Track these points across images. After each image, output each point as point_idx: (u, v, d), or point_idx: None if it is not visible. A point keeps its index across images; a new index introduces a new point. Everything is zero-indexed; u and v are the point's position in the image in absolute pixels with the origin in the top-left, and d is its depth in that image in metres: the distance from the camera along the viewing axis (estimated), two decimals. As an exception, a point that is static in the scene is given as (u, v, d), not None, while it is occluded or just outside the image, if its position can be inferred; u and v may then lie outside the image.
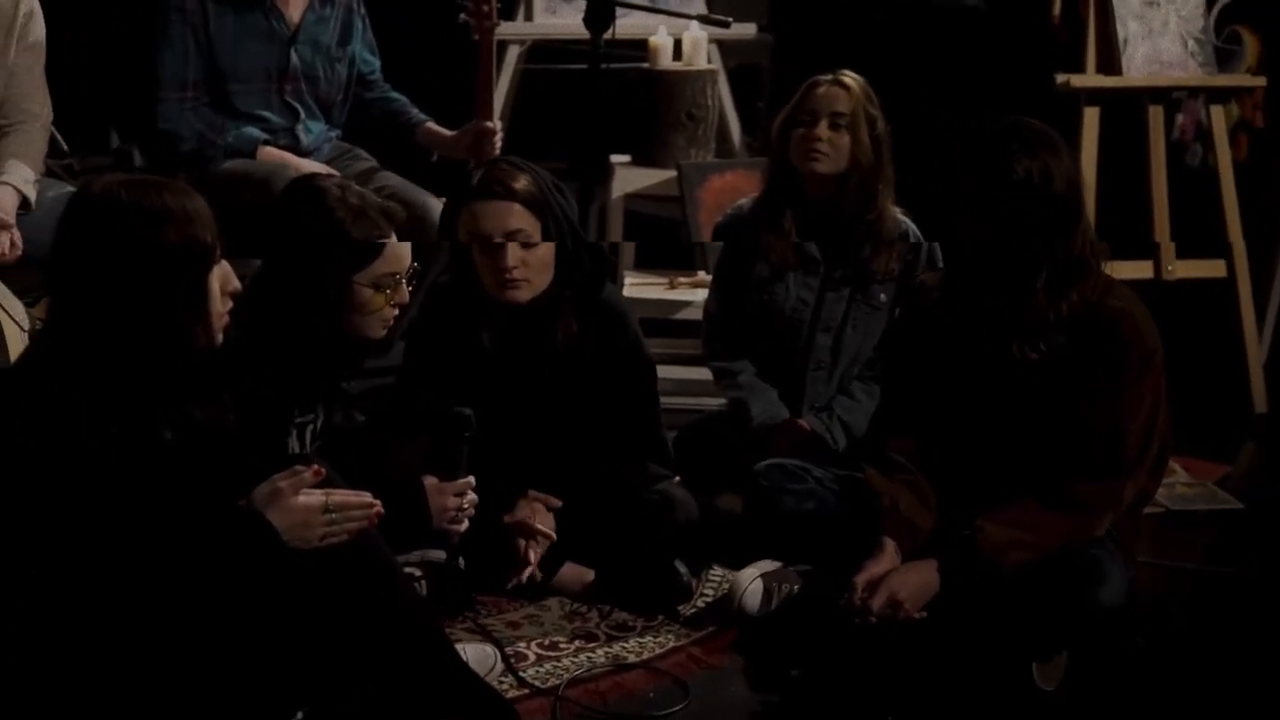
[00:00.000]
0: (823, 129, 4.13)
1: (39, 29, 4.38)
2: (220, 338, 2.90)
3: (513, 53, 5.72)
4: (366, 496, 2.94)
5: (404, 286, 3.43)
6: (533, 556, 3.70)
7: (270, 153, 4.67)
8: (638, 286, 5.20)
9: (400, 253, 3.41)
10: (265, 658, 2.91)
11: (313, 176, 3.53)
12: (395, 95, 5.07)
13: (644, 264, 5.54)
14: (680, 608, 3.75)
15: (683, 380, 4.90)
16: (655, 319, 5.19)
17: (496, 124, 4.91)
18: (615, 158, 5.57)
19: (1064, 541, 3.37)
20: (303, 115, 4.81)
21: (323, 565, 2.92)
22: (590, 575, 3.80)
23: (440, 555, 3.67)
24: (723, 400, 4.40)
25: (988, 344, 3.45)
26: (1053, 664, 3.44)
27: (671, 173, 5.36)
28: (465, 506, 3.54)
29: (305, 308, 3.37)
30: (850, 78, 4.20)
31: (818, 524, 3.69)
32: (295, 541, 2.87)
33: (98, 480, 2.73)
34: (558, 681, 3.42)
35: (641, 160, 5.51)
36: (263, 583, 2.86)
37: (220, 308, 2.87)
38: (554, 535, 3.72)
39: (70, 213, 2.90)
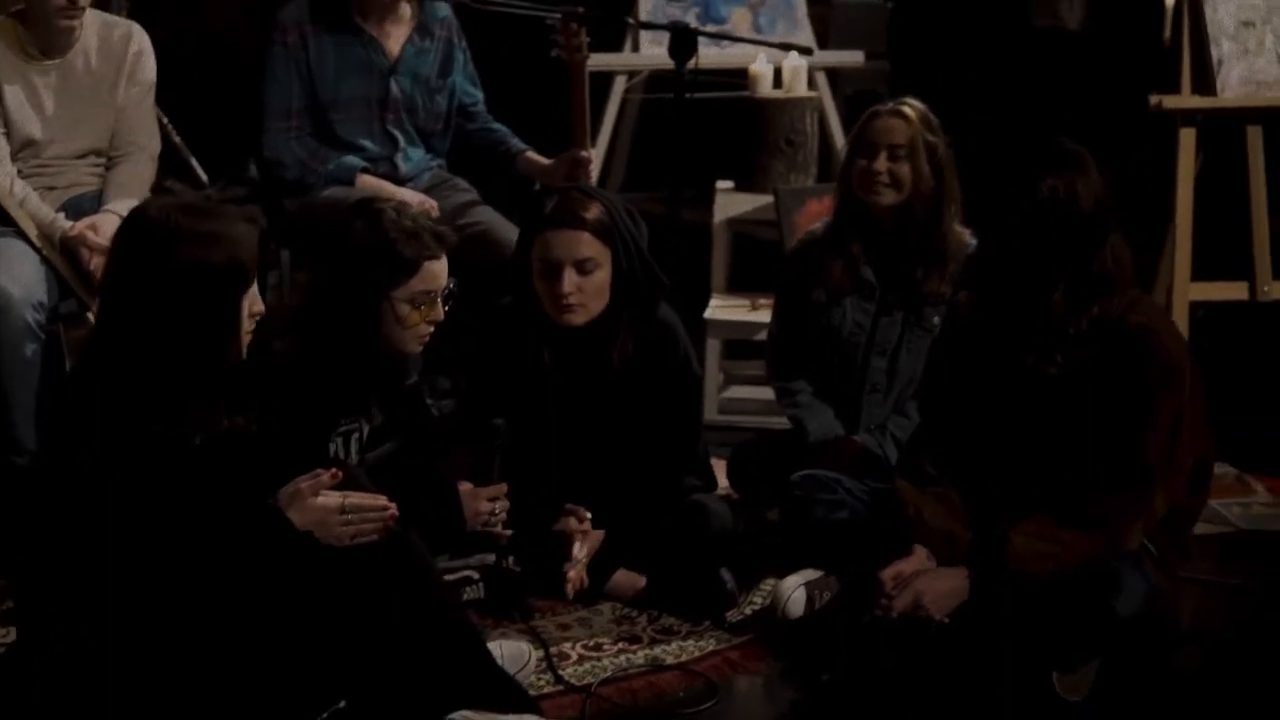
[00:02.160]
0: (881, 161, 4.21)
1: (149, 66, 4.63)
2: (245, 354, 3.12)
3: (619, 83, 5.87)
4: (383, 500, 3.13)
5: (439, 305, 3.61)
6: (577, 550, 3.84)
7: (368, 181, 4.87)
8: (721, 308, 5.32)
9: (436, 271, 3.61)
10: (298, 649, 3.08)
11: (373, 199, 3.72)
12: (496, 126, 5.24)
13: (744, 286, 5.63)
14: (728, 614, 3.85)
15: (763, 400, 5.00)
16: (737, 340, 5.33)
17: (590, 153, 5.07)
18: (721, 183, 5.69)
19: (1090, 555, 3.42)
20: (402, 144, 5.00)
21: (353, 562, 3.10)
22: (642, 581, 3.93)
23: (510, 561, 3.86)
24: (783, 420, 4.50)
25: (1009, 358, 3.51)
26: (1078, 675, 3.48)
27: (770, 197, 5.46)
28: (497, 511, 3.72)
29: (347, 320, 3.55)
30: (909, 106, 4.27)
31: (847, 533, 3.78)
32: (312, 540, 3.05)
33: (141, 481, 2.94)
34: (593, 680, 3.55)
35: (743, 185, 5.62)
36: (284, 575, 3.04)
37: (248, 326, 3.09)
38: (590, 530, 3.88)
39: (127, 231, 3.13)
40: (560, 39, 4.92)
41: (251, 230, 3.11)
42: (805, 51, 5.12)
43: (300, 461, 3.24)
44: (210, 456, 3.12)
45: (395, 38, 4.98)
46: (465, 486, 3.74)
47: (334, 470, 3.10)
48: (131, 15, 5.31)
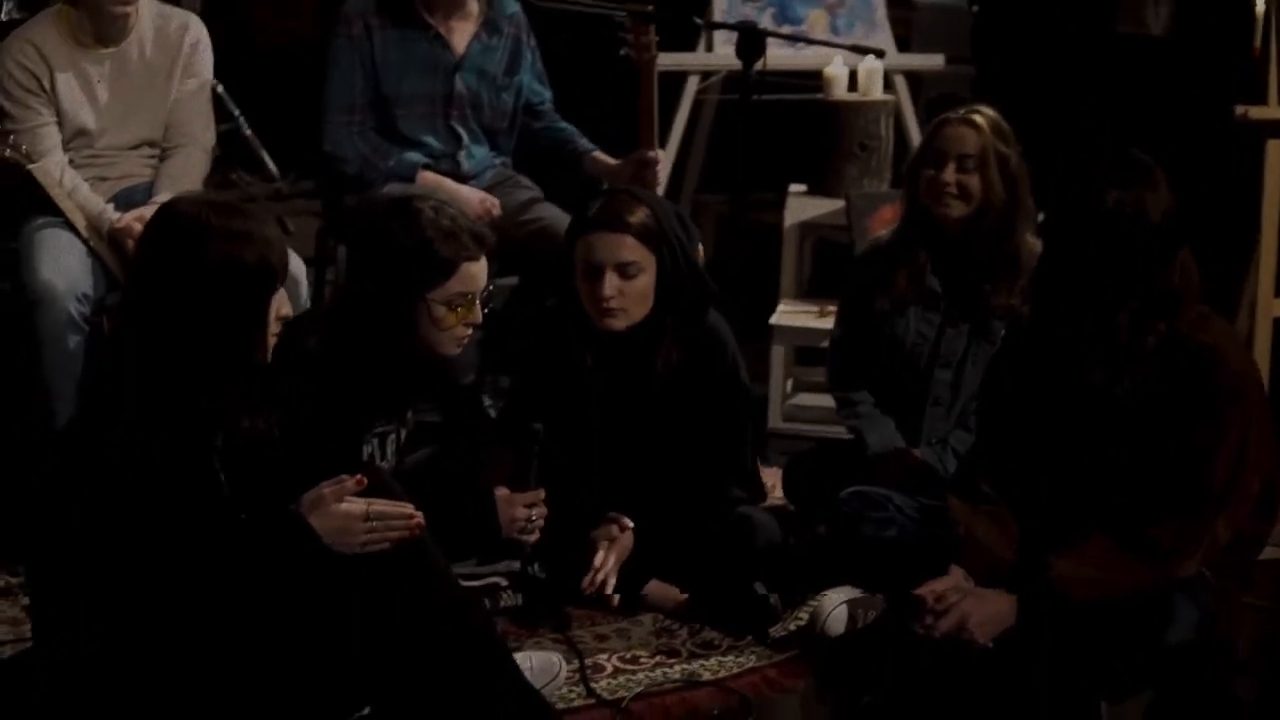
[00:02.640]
0: (950, 172, 4.06)
1: (205, 59, 4.61)
2: (269, 356, 3.07)
3: (692, 84, 5.76)
4: (408, 508, 3.04)
5: (477, 307, 3.52)
6: (598, 560, 3.75)
7: (429, 177, 4.78)
8: (788, 314, 5.20)
9: (474, 273, 3.50)
10: (318, 655, 3.02)
11: (413, 198, 3.63)
12: (564, 125, 5.15)
13: (816, 292, 5.51)
14: (771, 630, 3.74)
15: (830, 408, 4.86)
16: (806, 347, 5.22)
17: (659, 153, 4.98)
18: (794, 187, 5.58)
19: (1141, 584, 3.27)
20: (466, 141, 4.92)
21: (374, 570, 3.02)
22: (677, 592, 3.83)
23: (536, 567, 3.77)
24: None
25: (1071, 376, 3.38)
26: (1128, 705, 3.34)
27: (843, 202, 5.34)
28: (534, 518, 3.63)
29: (382, 321, 3.47)
30: (981, 115, 4.12)
31: (896, 552, 3.67)
32: (337, 545, 2.99)
33: (158, 481, 2.88)
34: (626, 694, 3.46)
35: (816, 189, 5.50)
36: (303, 581, 2.98)
37: (274, 328, 3.04)
38: (625, 542, 3.78)
39: (158, 224, 3.09)
40: (629, 38, 4.85)
41: (281, 234, 3.07)
42: (878, 54, 5.01)
43: (331, 464, 3.16)
44: (229, 458, 3.07)
45: (462, 34, 4.90)
46: (502, 492, 3.64)
47: (359, 476, 3.01)
48: (207, 7, 5.31)
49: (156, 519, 2.86)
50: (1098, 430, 3.35)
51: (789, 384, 5.30)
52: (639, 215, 3.74)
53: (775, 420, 5.14)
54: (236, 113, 6.91)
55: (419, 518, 3.04)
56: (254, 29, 7.66)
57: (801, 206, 5.48)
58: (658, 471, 3.85)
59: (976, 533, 3.41)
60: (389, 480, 3.28)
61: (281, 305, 3.04)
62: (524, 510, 3.63)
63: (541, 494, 3.64)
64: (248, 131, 6.89)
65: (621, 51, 4.86)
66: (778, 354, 5.14)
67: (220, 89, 6.89)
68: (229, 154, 6.97)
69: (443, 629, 3.11)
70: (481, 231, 3.55)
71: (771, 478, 4.29)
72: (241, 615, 2.93)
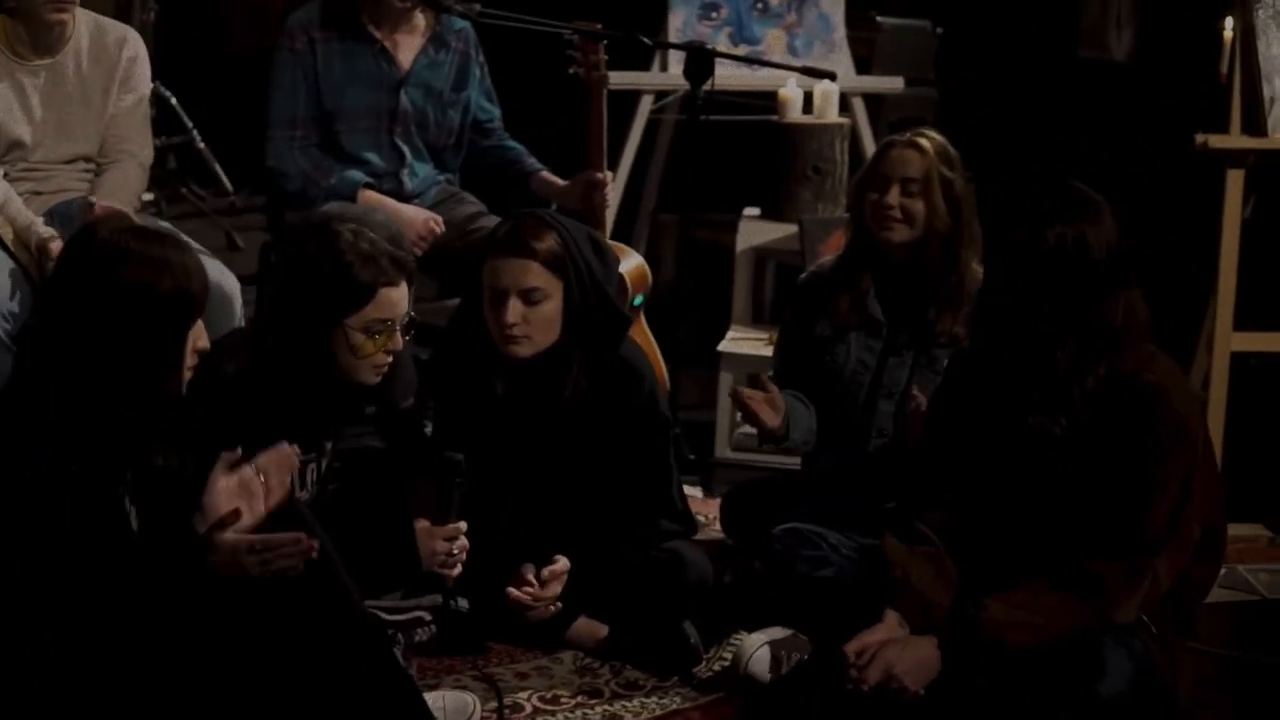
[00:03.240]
0: (894, 195, 3.97)
1: (143, 73, 4.51)
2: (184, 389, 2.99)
3: (645, 103, 5.67)
4: (296, 535, 2.93)
5: (398, 334, 3.42)
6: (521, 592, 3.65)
7: (371, 197, 4.68)
8: (737, 340, 5.11)
9: (394, 299, 3.40)
10: (224, 682, 2.93)
11: (330, 219, 3.53)
12: (512, 144, 5.07)
13: (771, 318, 5.43)
14: (696, 670, 3.65)
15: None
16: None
17: (607, 175, 4.89)
18: (748, 210, 5.49)
19: (1076, 625, 3.20)
20: (409, 158, 4.83)
21: (279, 598, 2.93)
22: (603, 630, 3.73)
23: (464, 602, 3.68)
24: (796, 460, 4.28)
25: (1010, 415, 3.29)
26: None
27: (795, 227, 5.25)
28: (455, 551, 3.53)
29: (299, 346, 3.38)
30: (926, 138, 4.03)
31: (830, 592, 3.56)
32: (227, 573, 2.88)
33: (66, 513, 2.79)
34: (546, 737, 3.37)
35: (770, 213, 5.42)
36: (201, 607, 2.88)
37: (190, 361, 2.95)
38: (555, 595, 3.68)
39: (73, 246, 3.01)
40: (578, 56, 4.77)
41: (202, 264, 3.00)
42: (829, 77, 4.90)
43: None
44: (139, 493, 2.99)
45: (408, 48, 4.80)
46: (422, 524, 3.54)
47: (236, 508, 2.90)
48: (159, 23, 5.21)
49: (57, 546, 2.79)
50: (1036, 468, 3.28)
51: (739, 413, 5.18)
52: (546, 241, 3.65)
53: (723, 449, 5.03)
54: (190, 125, 6.90)
55: (312, 545, 2.93)
56: (223, 38, 7.57)
57: (754, 231, 5.41)
58: (570, 503, 3.75)
59: (912, 576, 3.32)
60: (302, 510, 3.20)
61: (199, 338, 2.96)
62: (444, 544, 3.53)
63: (463, 526, 3.55)
64: (200, 144, 6.89)
65: (570, 70, 4.78)
66: (725, 380, 5.04)
67: (173, 101, 6.88)
68: (181, 167, 6.94)
69: (348, 661, 3.02)
70: (401, 256, 3.45)
71: (715, 509, 4.18)
72: (142, 642, 2.84)
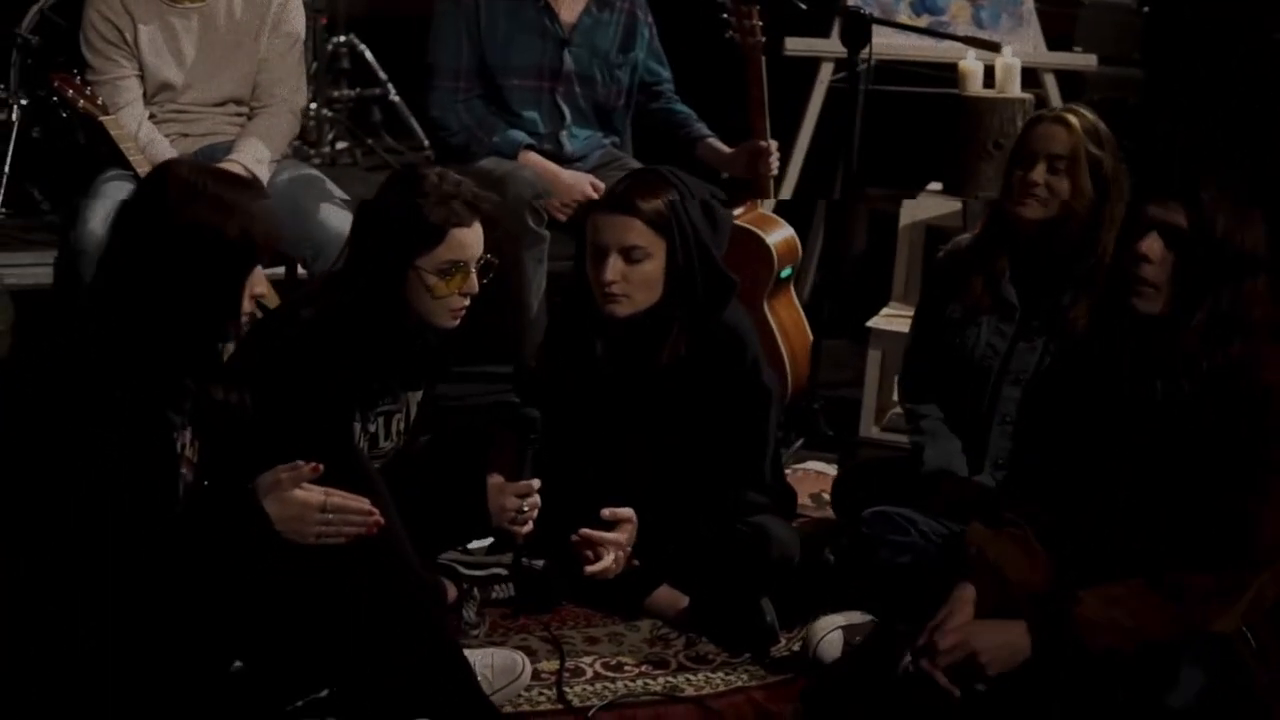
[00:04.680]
0: (1039, 172, 3.78)
1: (295, 18, 4.55)
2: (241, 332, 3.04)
3: (825, 70, 5.52)
4: (365, 504, 2.96)
5: (473, 276, 3.38)
6: (593, 557, 3.57)
7: (532, 158, 4.66)
8: (889, 318, 4.94)
9: (465, 240, 3.36)
10: (275, 634, 2.96)
11: (417, 165, 3.52)
12: (681, 108, 5.00)
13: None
14: (773, 649, 3.55)
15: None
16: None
17: (771, 143, 4.79)
18: (931, 185, 5.32)
19: (1170, 633, 3.00)
20: (568, 119, 4.79)
21: (332, 557, 2.94)
22: (684, 601, 3.65)
23: (539, 561, 3.64)
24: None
25: (1129, 389, 3.13)
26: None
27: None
28: (526, 509, 3.49)
29: (374, 290, 3.36)
30: (1075, 114, 3.83)
31: (906, 578, 3.42)
32: (289, 534, 2.92)
33: (99, 451, 2.81)
34: (598, 702, 3.31)
35: (951, 189, 5.22)
36: (255, 560, 2.90)
37: (248, 306, 2.97)
38: (620, 540, 3.59)
39: (148, 181, 3.06)
40: (733, 20, 4.68)
41: (274, 212, 3.02)
42: (992, 48, 4.71)
43: (315, 440, 3.11)
44: (201, 427, 3.02)
45: (570, 7, 4.77)
46: (495, 480, 3.51)
47: (315, 464, 2.92)
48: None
49: (106, 480, 2.80)
50: (1147, 452, 3.10)
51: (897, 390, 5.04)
52: (652, 200, 3.57)
53: (868, 428, 4.89)
54: (384, 77, 6.99)
55: (377, 515, 2.96)
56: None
57: (919, 206, 5.21)
58: (656, 468, 3.67)
59: (991, 555, 3.16)
60: (368, 469, 3.21)
61: (258, 283, 2.97)
62: (514, 500, 3.50)
63: (535, 484, 3.51)
64: (395, 97, 6.97)
65: (726, 34, 4.69)
66: (873, 358, 4.89)
67: (368, 54, 6.98)
68: (373, 120, 7.04)
69: (394, 619, 3.02)
70: (480, 196, 3.41)
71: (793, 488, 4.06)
72: (192, 591, 2.86)
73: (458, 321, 3.42)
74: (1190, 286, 3.04)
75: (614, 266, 3.54)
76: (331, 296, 3.41)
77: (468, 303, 3.40)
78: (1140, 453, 3.12)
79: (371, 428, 3.53)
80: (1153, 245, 3.06)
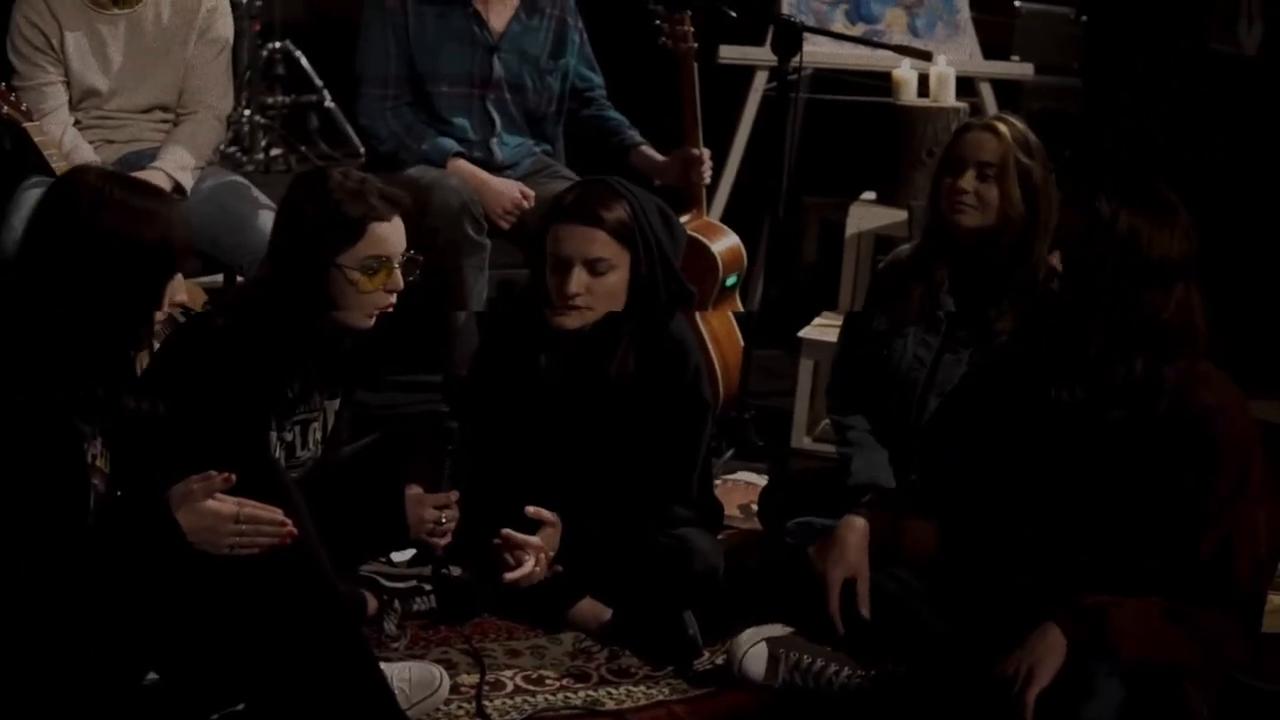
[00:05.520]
0: (968, 180, 3.77)
1: (223, 25, 4.51)
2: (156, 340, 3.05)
3: (760, 79, 5.50)
4: (278, 514, 2.94)
5: (397, 273, 3.34)
6: (514, 562, 3.54)
7: (461, 166, 4.61)
8: (819, 327, 4.93)
9: (386, 235, 3.32)
10: (188, 647, 2.94)
11: (323, 167, 3.48)
12: (613, 115, 4.96)
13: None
14: (695, 663, 3.52)
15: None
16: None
17: (704, 151, 4.77)
18: (865, 195, 5.31)
19: (1188, 660, 3.02)
20: (499, 126, 4.75)
21: (247, 568, 2.92)
22: (608, 614, 3.62)
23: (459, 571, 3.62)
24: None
25: (1036, 387, 3.15)
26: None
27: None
28: (444, 520, 3.46)
29: (293, 294, 3.32)
30: (1005, 123, 3.83)
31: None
32: (201, 545, 2.90)
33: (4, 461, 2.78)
34: (518, 717, 3.27)
35: (885, 198, 5.23)
36: (167, 572, 2.88)
37: (162, 315, 2.95)
38: (542, 544, 3.56)
39: (54, 190, 3.01)
40: (665, 27, 4.66)
41: (188, 219, 3.00)
42: (923, 57, 4.71)
43: (230, 450, 3.05)
44: (113, 438, 2.98)
45: (500, 13, 4.74)
46: (413, 491, 3.48)
47: (227, 474, 2.90)
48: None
49: (12, 491, 2.77)
50: (1053, 466, 3.13)
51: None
52: (615, 210, 3.55)
53: (800, 439, 4.87)
54: (319, 84, 6.95)
55: (290, 526, 2.94)
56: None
57: (864, 215, 5.21)
58: (593, 480, 3.64)
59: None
60: (283, 479, 3.17)
61: (178, 290, 2.95)
62: (433, 512, 3.48)
63: (454, 496, 3.49)
64: (330, 104, 6.92)
65: (659, 41, 4.67)
66: (805, 368, 4.86)
67: (304, 60, 6.93)
68: (308, 127, 6.99)
69: (308, 632, 2.99)
70: (393, 193, 3.37)
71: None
72: (104, 603, 2.83)
73: (373, 321, 3.37)
74: (1092, 290, 3.04)
75: (578, 279, 3.52)
76: (248, 302, 3.38)
77: (393, 300, 3.37)
78: (1047, 466, 3.13)
79: (288, 436, 3.48)
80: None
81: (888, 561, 3.33)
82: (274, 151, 6.80)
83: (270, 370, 3.34)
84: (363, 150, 6.06)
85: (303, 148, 6.81)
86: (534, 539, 3.53)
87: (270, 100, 6.91)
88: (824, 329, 4.89)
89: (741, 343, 4.81)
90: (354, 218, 3.28)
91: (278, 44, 6.94)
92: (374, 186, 3.34)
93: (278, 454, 3.42)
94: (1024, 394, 3.18)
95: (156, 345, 3.23)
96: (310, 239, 3.29)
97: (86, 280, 2.84)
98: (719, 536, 3.84)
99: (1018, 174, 3.78)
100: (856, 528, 3.32)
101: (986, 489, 3.22)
